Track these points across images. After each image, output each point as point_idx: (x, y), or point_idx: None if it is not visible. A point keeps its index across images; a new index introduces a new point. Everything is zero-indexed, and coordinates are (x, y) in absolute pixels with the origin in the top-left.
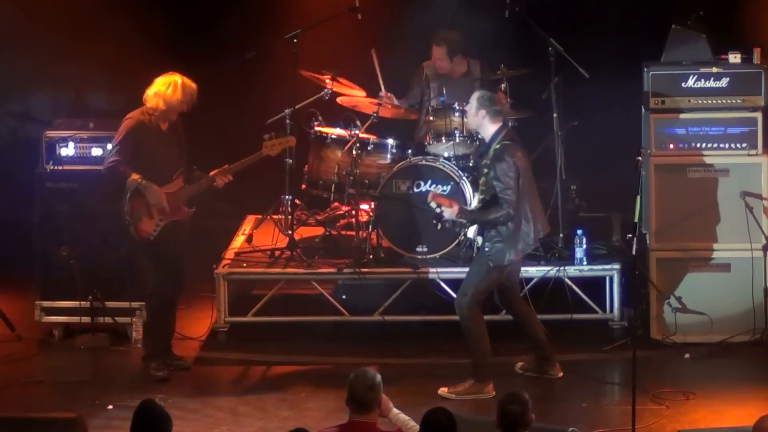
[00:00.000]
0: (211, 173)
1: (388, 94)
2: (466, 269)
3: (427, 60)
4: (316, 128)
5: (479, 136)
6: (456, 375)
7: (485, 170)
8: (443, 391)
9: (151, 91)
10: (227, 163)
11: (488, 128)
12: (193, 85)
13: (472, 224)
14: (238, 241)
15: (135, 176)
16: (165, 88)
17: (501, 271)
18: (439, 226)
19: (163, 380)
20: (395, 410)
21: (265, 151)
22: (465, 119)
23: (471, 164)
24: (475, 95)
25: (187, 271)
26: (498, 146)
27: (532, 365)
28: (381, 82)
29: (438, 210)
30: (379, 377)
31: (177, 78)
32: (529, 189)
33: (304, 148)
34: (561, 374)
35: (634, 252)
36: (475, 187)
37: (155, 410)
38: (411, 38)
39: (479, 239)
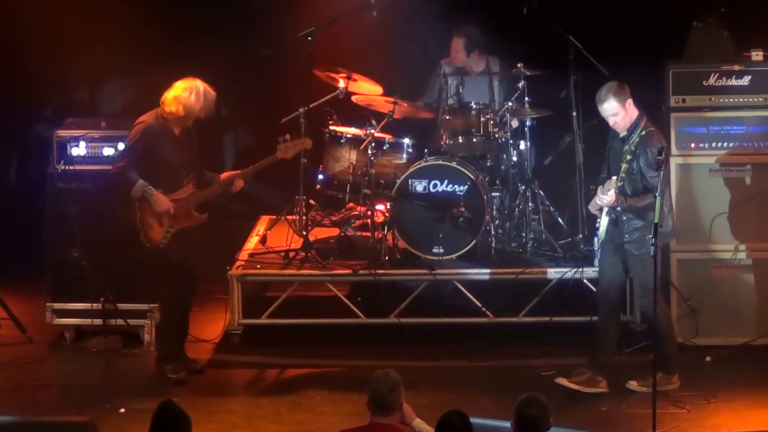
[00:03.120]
0: (222, 176)
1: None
2: (484, 270)
3: (446, 57)
4: (331, 127)
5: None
6: (469, 380)
7: (628, 157)
8: (633, 384)
9: (170, 95)
10: (239, 168)
11: (632, 115)
12: (213, 93)
13: (627, 211)
14: (252, 242)
15: (141, 183)
16: (186, 93)
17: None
18: (456, 227)
19: (181, 383)
20: (418, 419)
21: (280, 154)
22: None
23: (489, 164)
24: (607, 93)
25: (200, 272)
26: (644, 132)
27: (581, 376)
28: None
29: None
30: (400, 379)
31: (198, 84)
32: (667, 178)
33: (319, 147)
34: (607, 390)
35: (654, 253)
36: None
37: (175, 411)
38: (427, 36)
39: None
